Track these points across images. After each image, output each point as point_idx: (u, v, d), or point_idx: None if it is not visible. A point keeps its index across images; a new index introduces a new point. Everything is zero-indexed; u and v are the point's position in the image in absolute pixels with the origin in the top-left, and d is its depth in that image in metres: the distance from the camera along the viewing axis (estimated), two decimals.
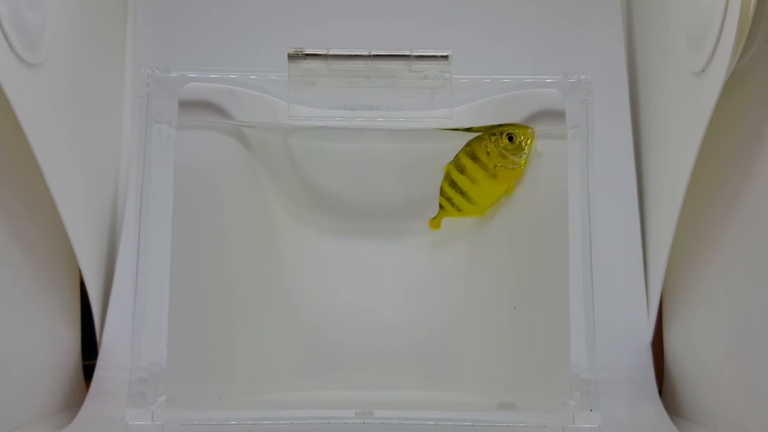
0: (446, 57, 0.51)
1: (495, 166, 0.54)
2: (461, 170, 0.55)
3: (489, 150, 0.54)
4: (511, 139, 0.53)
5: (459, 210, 0.55)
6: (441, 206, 0.56)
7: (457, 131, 0.56)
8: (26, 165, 0.55)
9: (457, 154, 0.55)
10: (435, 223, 0.56)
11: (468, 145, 0.55)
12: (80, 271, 0.62)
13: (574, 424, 0.50)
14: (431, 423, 0.51)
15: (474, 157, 0.54)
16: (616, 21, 0.71)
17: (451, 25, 0.72)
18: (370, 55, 0.51)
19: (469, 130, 0.55)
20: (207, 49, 0.71)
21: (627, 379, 0.63)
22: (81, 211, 0.62)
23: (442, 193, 0.56)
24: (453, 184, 0.55)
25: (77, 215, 0.61)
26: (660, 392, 0.63)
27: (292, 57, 0.51)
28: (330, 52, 0.51)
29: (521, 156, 0.54)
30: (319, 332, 0.56)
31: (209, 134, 0.53)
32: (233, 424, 0.51)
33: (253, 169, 0.56)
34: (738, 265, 0.54)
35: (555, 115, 0.53)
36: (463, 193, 0.55)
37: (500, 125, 0.54)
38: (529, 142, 0.54)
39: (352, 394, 0.55)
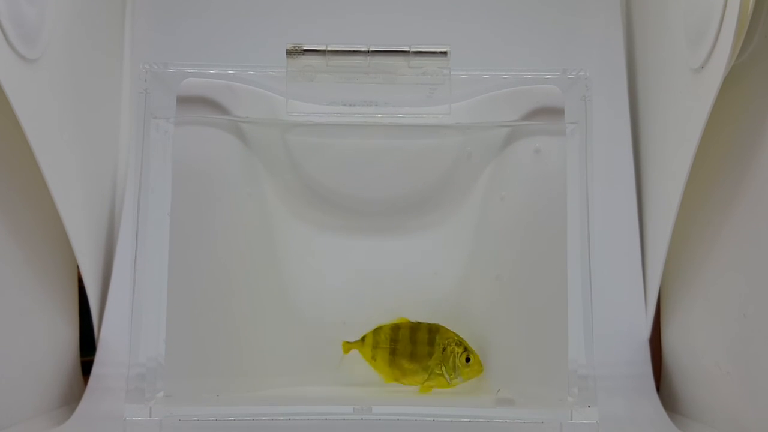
0: (445, 53, 0.51)
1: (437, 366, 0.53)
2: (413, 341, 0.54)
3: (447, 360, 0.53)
4: (468, 359, 0.53)
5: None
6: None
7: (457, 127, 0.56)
8: (24, 161, 0.55)
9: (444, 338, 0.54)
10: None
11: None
12: (78, 267, 0.62)
13: (571, 420, 0.50)
14: (429, 419, 0.51)
15: (430, 343, 0.54)
16: (616, 17, 0.71)
17: (450, 21, 0.72)
18: (368, 51, 0.51)
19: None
20: (205, 45, 0.71)
21: (625, 376, 0.63)
22: (79, 207, 0.62)
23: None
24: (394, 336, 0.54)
25: (75, 211, 0.60)
26: (658, 388, 0.63)
27: (291, 53, 0.51)
28: (328, 48, 0.51)
29: (457, 379, 0.53)
30: (317, 328, 0.56)
31: (207, 130, 0.53)
32: (231, 419, 0.51)
33: (251, 165, 0.56)
34: (736, 262, 0.54)
35: (554, 111, 0.53)
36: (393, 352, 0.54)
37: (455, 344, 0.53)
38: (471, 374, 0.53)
39: (350, 390, 0.55)
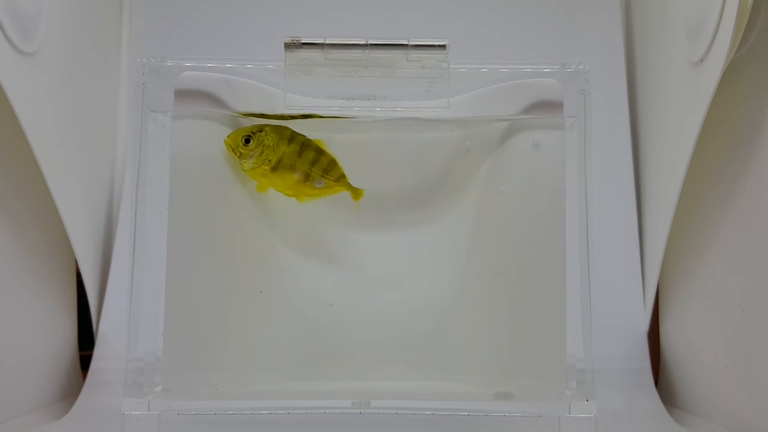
0: (444, 46, 0.51)
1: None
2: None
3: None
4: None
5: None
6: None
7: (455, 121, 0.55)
8: (22, 155, 0.55)
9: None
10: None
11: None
12: (76, 261, 0.62)
13: (570, 413, 0.50)
14: (428, 413, 0.51)
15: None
16: (615, 10, 0.71)
17: (449, 14, 0.71)
18: (367, 45, 0.51)
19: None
20: (203, 38, 0.71)
21: (623, 370, 0.63)
22: (77, 201, 0.62)
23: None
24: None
25: (73, 205, 0.60)
26: (656, 382, 0.63)
27: (289, 46, 0.51)
28: (327, 41, 0.51)
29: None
30: (316, 322, 0.56)
31: (205, 124, 0.53)
32: (230, 413, 0.51)
33: None
34: (734, 256, 0.54)
35: (553, 105, 0.53)
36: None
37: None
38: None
39: (349, 384, 0.55)
